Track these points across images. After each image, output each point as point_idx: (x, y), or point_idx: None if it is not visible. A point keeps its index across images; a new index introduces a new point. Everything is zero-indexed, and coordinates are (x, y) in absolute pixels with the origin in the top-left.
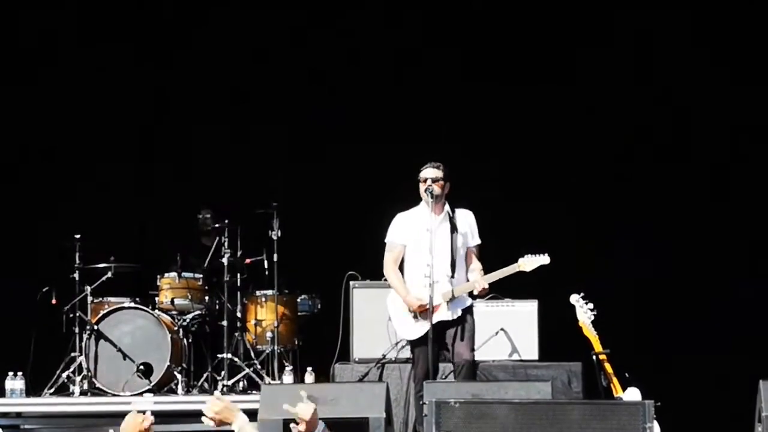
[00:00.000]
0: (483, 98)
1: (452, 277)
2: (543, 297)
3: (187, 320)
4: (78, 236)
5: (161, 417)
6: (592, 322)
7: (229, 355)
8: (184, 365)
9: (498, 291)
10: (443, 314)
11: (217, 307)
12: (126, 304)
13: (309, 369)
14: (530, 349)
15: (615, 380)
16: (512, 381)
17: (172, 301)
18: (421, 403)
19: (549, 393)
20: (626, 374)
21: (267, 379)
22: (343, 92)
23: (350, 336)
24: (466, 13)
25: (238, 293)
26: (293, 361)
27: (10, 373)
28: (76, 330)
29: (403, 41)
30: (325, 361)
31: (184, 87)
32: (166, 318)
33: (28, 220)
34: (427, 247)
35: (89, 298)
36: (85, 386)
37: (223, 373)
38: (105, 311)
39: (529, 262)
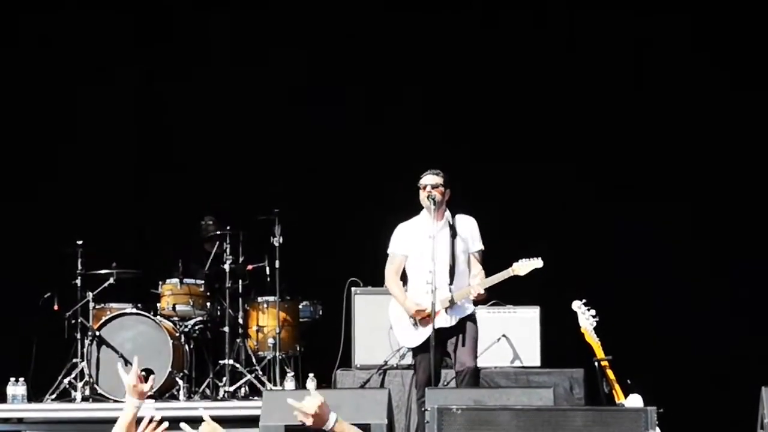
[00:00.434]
0: (483, 101)
1: (451, 283)
2: (545, 303)
3: (189, 326)
4: (80, 242)
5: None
6: (594, 328)
7: (231, 362)
8: (185, 371)
9: (500, 297)
10: (442, 321)
11: (219, 313)
12: (128, 310)
13: (310, 375)
14: (532, 356)
15: (617, 387)
16: (514, 387)
17: (173, 307)
18: (423, 409)
19: (551, 399)
20: (628, 381)
21: (269, 386)
22: (344, 94)
23: (352, 342)
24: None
25: (240, 299)
26: (295, 367)
27: (12, 379)
28: (78, 336)
29: (405, 46)
30: (327, 368)
31: (184, 90)
32: (168, 324)
33: (30, 226)
34: (429, 254)
35: (91, 304)
36: (87, 392)
37: (224, 379)
38: (107, 317)
39: (522, 266)
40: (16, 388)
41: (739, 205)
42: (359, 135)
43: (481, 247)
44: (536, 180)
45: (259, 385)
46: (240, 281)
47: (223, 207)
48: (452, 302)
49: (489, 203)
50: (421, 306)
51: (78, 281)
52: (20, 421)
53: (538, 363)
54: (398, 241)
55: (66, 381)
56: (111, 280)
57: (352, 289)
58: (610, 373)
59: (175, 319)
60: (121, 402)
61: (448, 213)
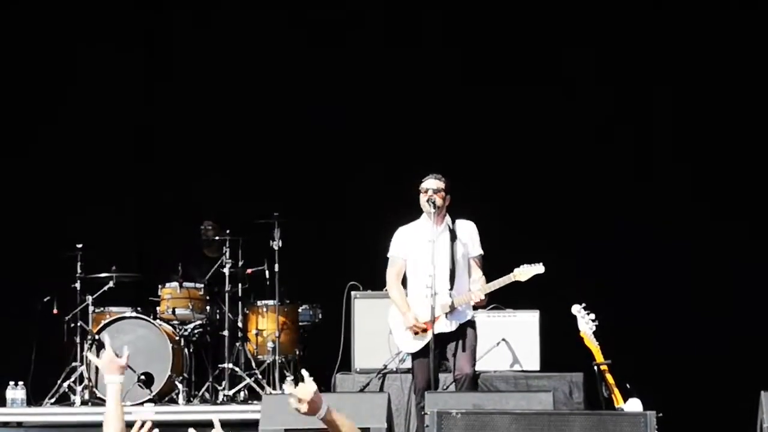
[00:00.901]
0: (483, 105)
1: (451, 288)
2: (544, 307)
3: (189, 330)
4: (79, 246)
5: (162, 427)
6: (594, 332)
7: (230, 365)
8: (185, 375)
9: (499, 301)
10: (442, 326)
11: (218, 317)
12: (127, 314)
13: (305, 372)
14: (531, 360)
15: (616, 391)
16: (513, 392)
17: (173, 311)
18: (422, 413)
19: (550, 404)
20: (627, 385)
21: (268, 389)
22: (344, 98)
23: (351, 346)
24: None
25: (240, 303)
26: (294, 371)
27: (11, 383)
28: (78, 340)
29: (406, 55)
30: (327, 371)
31: (184, 94)
32: (168, 328)
33: (30, 230)
34: (429, 259)
35: (90, 308)
36: (86, 396)
37: (224, 383)
38: (106, 321)
39: (524, 272)
40: (16, 392)
41: (739, 205)
42: (359, 137)
43: (481, 252)
44: (536, 181)
45: (258, 389)
46: (239, 285)
47: (223, 211)
48: (452, 307)
49: (489, 205)
50: (419, 322)
51: (77, 285)
52: (19, 425)
53: (537, 367)
54: (398, 245)
55: (65, 385)
56: (111, 284)
57: (352, 292)
58: (609, 377)
59: (175, 322)
60: (122, 405)
61: (448, 218)
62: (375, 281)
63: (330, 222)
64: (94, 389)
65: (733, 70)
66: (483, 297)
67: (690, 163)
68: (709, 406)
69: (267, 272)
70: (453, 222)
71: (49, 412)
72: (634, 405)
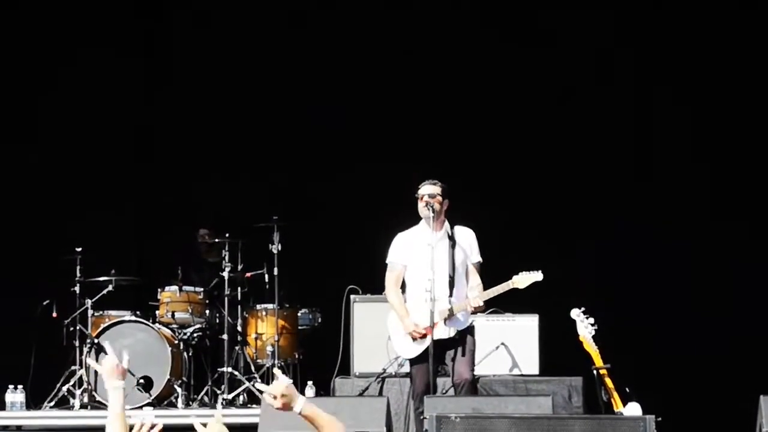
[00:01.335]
0: (483, 107)
1: (450, 294)
2: (544, 311)
3: (188, 334)
4: (79, 249)
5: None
6: (593, 336)
7: (230, 369)
8: (184, 379)
9: (499, 305)
10: (441, 332)
11: (218, 320)
12: (126, 318)
13: (309, 383)
14: (531, 364)
15: (615, 395)
16: (512, 396)
17: (172, 315)
18: (421, 417)
19: (549, 408)
20: (627, 389)
21: None
22: (344, 98)
23: (351, 350)
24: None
25: (239, 307)
26: (293, 375)
27: (11, 386)
28: (77, 343)
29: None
30: (326, 375)
31: (184, 98)
32: (167, 331)
33: (30, 233)
34: (428, 264)
35: (90, 312)
36: (86, 399)
37: (223, 386)
38: (105, 324)
39: (522, 279)
40: (15, 396)
41: (739, 205)
42: (359, 139)
43: (480, 259)
44: (535, 182)
45: (257, 393)
46: (239, 289)
47: (221, 214)
48: (451, 313)
49: (489, 205)
50: (418, 328)
51: (77, 288)
52: (19, 428)
53: (536, 371)
54: (397, 251)
55: (65, 388)
56: (110, 288)
57: (351, 296)
58: (608, 381)
59: (174, 326)
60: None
61: (447, 224)
62: (374, 285)
63: (329, 226)
64: (94, 393)
65: (733, 70)
66: (481, 303)
67: (690, 164)
68: (709, 407)
69: (266, 276)
70: (452, 228)
71: (48, 416)
72: (634, 409)
